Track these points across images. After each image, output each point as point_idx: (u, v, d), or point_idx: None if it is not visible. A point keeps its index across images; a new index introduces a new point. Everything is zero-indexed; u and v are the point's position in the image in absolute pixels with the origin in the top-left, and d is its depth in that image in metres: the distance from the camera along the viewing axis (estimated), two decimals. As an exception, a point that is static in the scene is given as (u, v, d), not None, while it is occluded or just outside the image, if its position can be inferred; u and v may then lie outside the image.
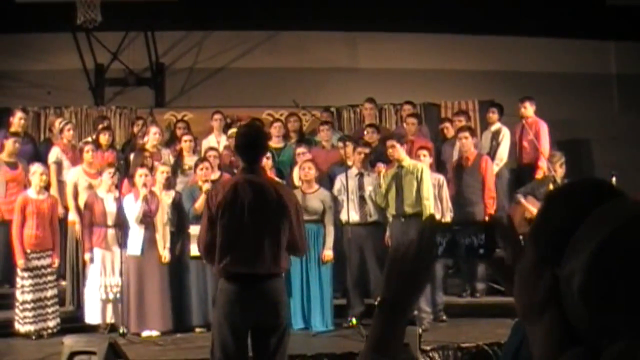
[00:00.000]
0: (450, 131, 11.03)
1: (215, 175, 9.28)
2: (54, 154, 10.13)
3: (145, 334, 8.76)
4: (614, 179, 8.86)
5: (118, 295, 8.85)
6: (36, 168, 9.05)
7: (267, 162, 9.34)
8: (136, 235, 8.92)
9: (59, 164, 10.07)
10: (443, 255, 1.58)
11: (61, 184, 9.96)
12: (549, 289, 1.26)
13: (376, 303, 1.65)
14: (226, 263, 4.96)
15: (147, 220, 8.93)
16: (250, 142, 5.19)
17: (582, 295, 1.18)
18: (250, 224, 4.97)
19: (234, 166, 9.79)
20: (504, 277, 1.51)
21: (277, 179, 9.43)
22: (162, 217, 9.03)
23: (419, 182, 8.84)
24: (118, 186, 9.14)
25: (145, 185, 8.91)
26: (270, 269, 4.98)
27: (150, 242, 8.94)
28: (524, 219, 9.22)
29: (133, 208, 8.89)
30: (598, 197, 1.26)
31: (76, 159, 10.10)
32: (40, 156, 10.45)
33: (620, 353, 1.14)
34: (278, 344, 5.01)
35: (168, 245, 8.96)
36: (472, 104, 12.54)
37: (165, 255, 8.93)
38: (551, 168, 9.56)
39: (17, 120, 10.49)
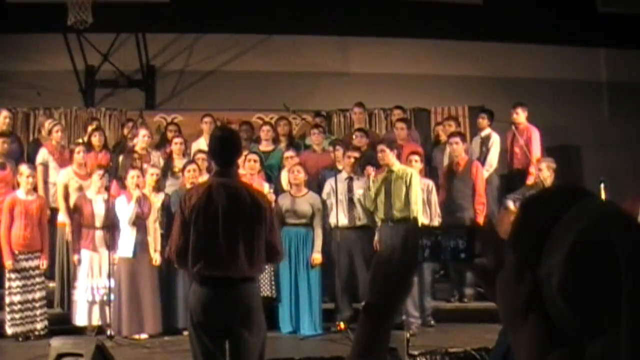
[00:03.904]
0: (444, 135, 11.04)
1: (203, 178, 9.24)
2: (41, 155, 10.10)
3: (135, 336, 8.74)
4: (603, 185, 8.89)
5: (105, 297, 8.83)
6: (23, 170, 9.01)
7: (255, 165, 9.33)
8: (128, 238, 8.90)
9: (45, 166, 10.03)
10: (428, 258, 1.58)
11: (47, 185, 9.93)
12: (530, 291, 1.27)
13: (361, 307, 1.65)
14: (200, 267, 4.92)
15: (140, 222, 8.92)
16: (225, 146, 5.14)
17: (561, 292, 1.21)
18: (224, 227, 4.93)
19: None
20: (485, 282, 1.51)
21: (265, 182, 9.45)
22: (153, 219, 9.02)
23: (408, 187, 8.85)
24: (107, 188, 9.11)
25: (137, 186, 8.90)
26: (243, 273, 4.94)
27: (142, 244, 8.93)
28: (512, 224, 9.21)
29: (125, 210, 8.87)
30: (571, 199, 1.28)
31: (64, 161, 10.07)
32: (27, 157, 10.42)
33: (604, 349, 1.17)
34: (251, 348, 4.96)
35: (159, 248, 8.94)
36: (462, 109, 12.55)
37: (157, 258, 8.91)
38: (540, 174, 9.58)
39: (2, 119, 10.44)
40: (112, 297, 8.78)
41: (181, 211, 5.02)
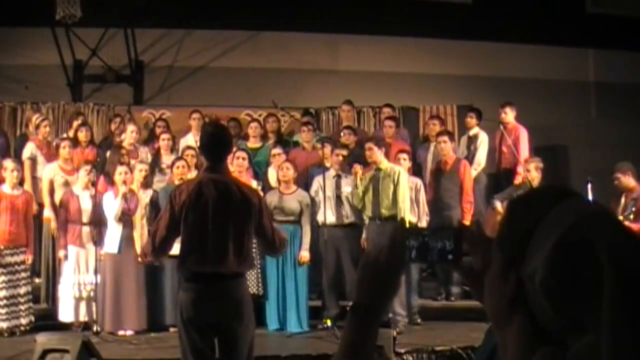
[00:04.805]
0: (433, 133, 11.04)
1: (192, 174, 9.23)
2: (29, 149, 10.05)
3: (119, 332, 8.71)
4: (590, 185, 8.91)
5: (92, 293, 8.80)
6: (7, 164, 8.96)
7: (243, 162, 9.31)
8: (114, 233, 8.87)
9: (33, 160, 9.98)
10: (415, 259, 1.58)
11: (35, 180, 9.88)
12: (515, 290, 1.29)
13: (348, 308, 1.65)
14: (190, 263, 4.93)
15: (126, 218, 8.89)
16: (216, 141, 5.14)
17: (544, 290, 1.23)
18: (214, 223, 4.93)
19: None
20: (472, 283, 1.52)
21: (253, 179, 9.43)
22: (141, 216, 9.00)
23: (396, 185, 8.85)
24: (94, 183, 9.08)
25: (125, 182, 8.87)
26: (233, 269, 4.95)
27: (127, 240, 8.90)
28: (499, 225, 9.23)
29: (112, 205, 8.84)
30: (556, 200, 1.29)
31: (51, 155, 10.02)
32: (14, 151, 10.36)
33: (586, 348, 1.18)
34: (242, 343, 4.97)
35: (145, 244, 8.92)
36: (451, 108, 12.57)
37: (142, 254, 8.89)
38: (528, 174, 9.60)
39: (-12, 113, 10.42)
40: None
41: (171, 206, 5.01)
